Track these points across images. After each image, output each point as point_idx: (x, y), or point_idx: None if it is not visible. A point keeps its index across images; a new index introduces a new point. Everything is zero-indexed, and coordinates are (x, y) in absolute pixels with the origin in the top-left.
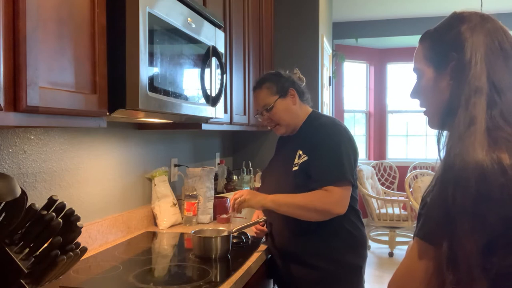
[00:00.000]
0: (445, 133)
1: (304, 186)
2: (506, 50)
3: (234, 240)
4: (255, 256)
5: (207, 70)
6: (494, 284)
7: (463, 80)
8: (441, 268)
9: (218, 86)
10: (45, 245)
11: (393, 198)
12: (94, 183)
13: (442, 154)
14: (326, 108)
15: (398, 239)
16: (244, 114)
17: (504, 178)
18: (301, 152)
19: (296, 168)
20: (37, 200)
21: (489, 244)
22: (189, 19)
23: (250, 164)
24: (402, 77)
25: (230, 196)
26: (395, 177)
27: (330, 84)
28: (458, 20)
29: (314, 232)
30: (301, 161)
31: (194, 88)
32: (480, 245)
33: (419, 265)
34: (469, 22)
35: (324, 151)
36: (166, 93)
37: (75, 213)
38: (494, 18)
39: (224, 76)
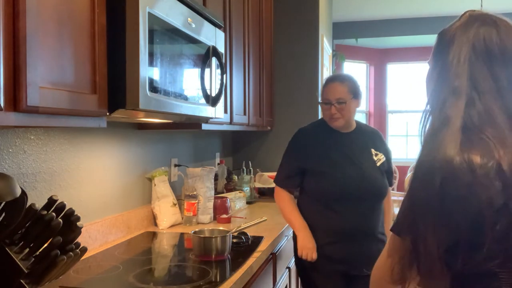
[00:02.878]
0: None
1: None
2: (491, 51)
3: (234, 240)
4: (255, 256)
5: (207, 70)
6: (457, 283)
7: (443, 78)
8: (404, 263)
9: (218, 86)
10: (45, 245)
11: (393, 198)
12: (94, 183)
13: None
14: None
15: None
16: (244, 114)
17: (472, 177)
18: (376, 151)
19: (379, 164)
20: (37, 200)
21: (453, 242)
22: (189, 19)
23: (250, 164)
24: (402, 77)
25: (231, 196)
26: (395, 177)
27: None
28: (458, 19)
29: (381, 214)
30: (381, 159)
31: (194, 88)
32: (444, 243)
33: (389, 259)
34: (459, 22)
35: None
36: (166, 93)
37: (75, 213)
38: (497, 18)
39: (224, 76)
